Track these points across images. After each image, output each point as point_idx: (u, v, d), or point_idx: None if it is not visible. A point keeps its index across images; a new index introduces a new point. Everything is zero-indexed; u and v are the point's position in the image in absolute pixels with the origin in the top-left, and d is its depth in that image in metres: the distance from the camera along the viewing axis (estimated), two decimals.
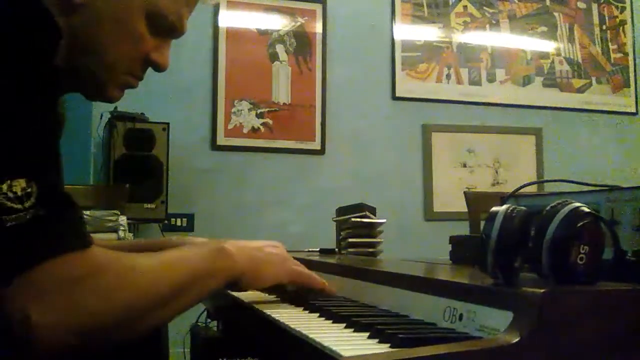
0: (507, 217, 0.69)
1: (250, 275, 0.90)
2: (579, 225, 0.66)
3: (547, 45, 4.29)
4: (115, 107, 3.15)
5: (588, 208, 0.67)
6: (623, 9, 4.49)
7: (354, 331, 0.74)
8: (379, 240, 1.69)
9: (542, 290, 0.61)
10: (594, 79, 4.36)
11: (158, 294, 0.77)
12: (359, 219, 1.68)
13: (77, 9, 0.82)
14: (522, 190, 1.02)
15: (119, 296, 0.73)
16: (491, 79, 4.15)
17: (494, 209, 0.71)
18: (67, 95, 0.92)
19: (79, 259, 0.70)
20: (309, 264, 1.42)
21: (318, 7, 3.90)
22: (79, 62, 0.83)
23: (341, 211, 1.81)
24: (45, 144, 0.73)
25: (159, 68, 0.92)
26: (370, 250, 1.67)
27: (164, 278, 0.79)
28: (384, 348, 0.65)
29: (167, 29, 0.89)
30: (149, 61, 0.90)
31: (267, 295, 1.06)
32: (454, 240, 1.30)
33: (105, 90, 0.89)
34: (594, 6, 4.43)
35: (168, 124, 3.24)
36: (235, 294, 1.08)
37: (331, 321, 0.82)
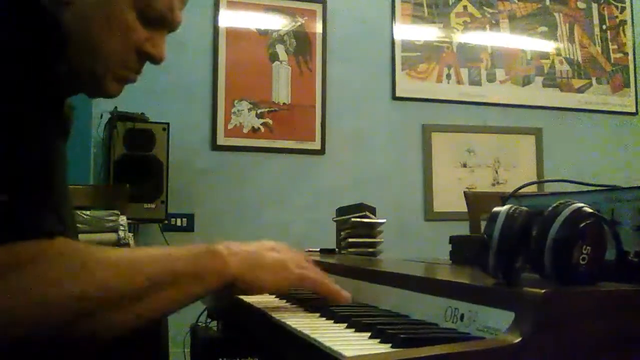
0: (509, 217, 0.69)
1: (246, 280, 0.84)
2: (581, 225, 0.65)
3: (547, 45, 4.29)
4: (115, 107, 3.15)
5: (590, 208, 0.67)
6: (623, 9, 4.49)
7: (355, 331, 0.74)
8: (379, 240, 1.69)
9: (543, 291, 0.60)
10: (594, 79, 4.36)
11: (121, 289, 0.72)
12: (359, 219, 1.68)
13: (67, 4, 0.82)
14: (522, 190, 1.01)
15: (71, 286, 0.68)
16: (491, 79, 4.15)
17: (496, 209, 0.71)
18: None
19: (29, 246, 0.67)
20: None
21: (318, 7, 3.90)
22: (74, 58, 0.83)
23: (341, 211, 1.82)
24: (16, 130, 0.70)
25: (154, 60, 0.91)
26: (370, 250, 1.67)
27: (131, 274, 0.74)
28: (386, 348, 0.65)
29: (158, 19, 0.88)
30: (143, 53, 0.89)
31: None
32: (454, 240, 1.30)
33: (103, 85, 0.88)
34: (594, 6, 4.43)
35: (168, 124, 3.24)
36: None
37: (332, 321, 0.82)
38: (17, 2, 0.77)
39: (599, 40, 4.41)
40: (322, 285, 0.92)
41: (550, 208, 0.68)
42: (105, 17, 0.84)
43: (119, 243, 2.41)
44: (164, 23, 0.90)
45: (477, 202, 2.13)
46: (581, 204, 0.67)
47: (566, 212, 0.66)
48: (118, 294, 0.72)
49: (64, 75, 0.82)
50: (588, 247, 0.65)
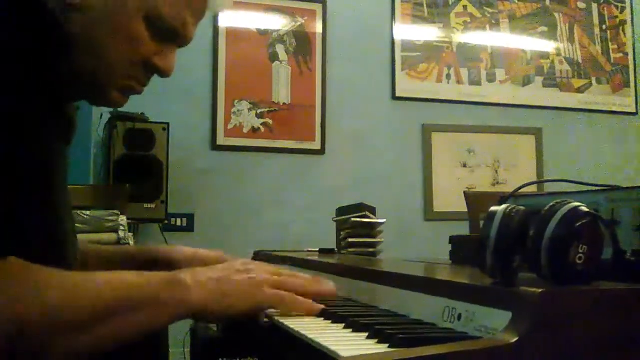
0: (505, 217, 0.69)
1: (213, 309, 0.80)
2: (577, 225, 0.66)
3: (547, 45, 4.29)
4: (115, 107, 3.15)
5: (587, 208, 0.67)
6: (623, 9, 4.49)
7: (353, 331, 0.74)
8: (379, 240, 1.69)
9: (540, 290, 0.61)
10: (594, 79, 4.36)
11: (69, 313, 0.69)
12: (359, 219, 1.68)
13: (74, 9, 0.81)
14: (521, 190, 1.01)
15: (13, 308, 0.66)
16: (491, 79, 4.15)
17: (493, 208, 0.71)
18: None
19: None
20: (308, 264, 1.43)
21: (318, 7, 3.90)
22: (78, 63, 0.82)
23: (341, 211, 1.82)
24: None
25: (162, 74, 0.89)
26: (370, 250, 1.67)
27: (82, 299, 0.71)
28: (383, 348, 0.65)
29: (168, 33, 0.87)
30: (151, 66, 0.88)
31: None
32: (454, 240, 1.30)
33: (107, 94, 0.87)
34: (594, 6, 4.43)
35: (168, 124, 3.24)
36: None
37: (330, 321, 0.82)
38: (19, 2, 0.76)
39: (599, 40, 4.41)
40: (295, 304, 0.86)
41: (546, 207, 0.68)
42: (112, 25, 0.82)
43: (119, 243, 2.42)
44: (175, 38, 0.88)
45: (477, 202, 2.13)
46: (578, 203, 0.67)
47: (562, 211, 0.66)
48: (66, 319, 0.69)
49: (67, 78, 0.81)
50: (584, 247, 0.65)
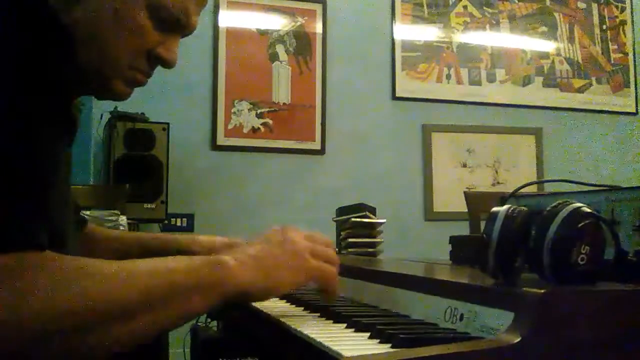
0: (508, 218, 0.69)
1: (260, 288, 0.79)
2: (579, 225, 0.66)
3: (547, 45, 4.29)
4: (115, 107, 3.15)
5: (589, 208, 0.67)
6: (623, 9, 4.49)
7: (355, 331, 0.74)
8: (379, 240, 1.69)
9: (542, 291, 0.61)
10: (594, 79, 4.36)
11: (112, 304, 0.67)
12: (359, 219, 1.68)
13: (75, 1, 0.81)
14: (521, 190, 1.02)
15: (56, 300, 0.64)
16: (491, 79, 4.15)
17: (495, 209, 0.71)
18: None
19: (14, 257, 0.63)
20: None
21: (318, 7, 3.90)
22: (82, 58, 0.82)
23: (341, 211, 1.82)
24: (13, 134, 0.67)
25: (166, 64, 0.89)
26: (370, 250, 1.67)
27: (124, 288, 0.69)
28: (385, 348, 0.65)
29: (171, 23, 0.86)
30: (155, 56, 0.87)
31: None
32: (454, 240, 1.30)
33: (112, 86, 0.86)
34: (594, 6, 4.43)
35: (168, 124, 3.24)
36: None
37: (332, 321, 0.82)
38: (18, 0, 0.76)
39: (599, 40, 4.41)
40: (332, 283, 0.86)
41: (548, 208, 0.68)
42: (116, 16, 0.82)
43: None
44: (178, 27, 0.88)
45: (477, 202, 2.13)
46: (579, 204, 0.67)
47: (564, 212, 0.66)
48: (108, 310, 0.67)
49: (70, 75, 0.81)
50: (586, 247, 0.65)
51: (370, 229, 1.69)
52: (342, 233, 1.75)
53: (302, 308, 0.95)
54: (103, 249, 1.11)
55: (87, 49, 0.82)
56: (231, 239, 1.15)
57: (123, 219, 2.48)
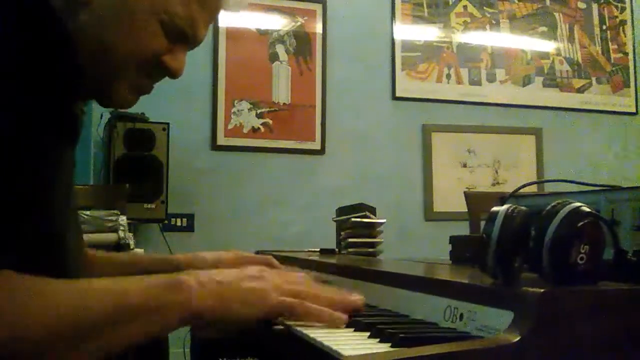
0: (507, 217, 0.69)
1: (216, 314, 0.76)
2: (579, 225, 0.66)
3: (547, 45, 4.29)
4: (116, 107, 3.14)
5: (588, 208, 0.68)
6: (623, 9, 4.49)
7: (355, 331, 0.75)
8: (379, 240, 1.69)
9: (542, 290, 0.61)
10: (594, 79, 4.36)
11: (63, 326, 0.66)
12: (359, 219, 1.68)
13: (81, 6, 0.80)
14: (522, 190, 1.02)
15: (5, 320, 0.62)
16: (491, 79, 4.15)
17: (495, 208, 0.71)
18: None
19: None
20: (309, 264, 1.43)
21: (318, 7, 3.90)
22: (87, 62, 0.81)
23: (341, 211, 1.82)
24: None
25: (172, 73, 0.88)
26: (370, 250, 1.67)
27: (78, 309, 0.67)
28: (385, 348, 0.65)
29: (180, 33, 0.85)
30: (162, 65, 0.86)
31: None
32: (454, 240, 1.30)
33: (116, 92, 0.86)
34: (594, 6, 4.43)
35: (168, 124, 3.24)
36: None
37: None
38: (20, 2, 0.75)
39: (599, 40, 4.41)
40: (308, 312, 0.79)
41: (548, 208, 0.68)
42: (125, 20, 0.81)
43: (119, 243, 2.42)
44: (186, 37, 0.87)
45: (477, 202, 2.13)
46: (579, 204, 0.67)
47: (564, 211, 0.66)
48: (60, 331, 0.65)
49: (73, 76, 0.80)
50: (586, 247, 0.65)
51: (370, 229, 1.69)
52: (342, 233, 1.75)
53: None
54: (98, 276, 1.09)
55: (93, 54, 0.81)
56: (237, 254, 1.13)
57: (123, 219, 2.48)
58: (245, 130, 3.73)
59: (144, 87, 0.89)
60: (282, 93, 3.81)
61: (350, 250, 1.68)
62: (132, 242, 2.52)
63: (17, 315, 0.63)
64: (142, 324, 0.71)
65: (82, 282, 0.74)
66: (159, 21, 0.83)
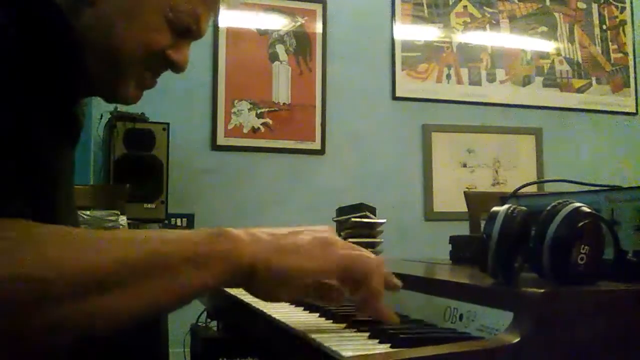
0: (507, 217, 0.69)
1: (272, 266, 0.66)
2: (579, 225, 0.66)
3: (547, 45, 4.29)
4: (116, 107, 3.14)
5: (589, 208, 0.68)
6: (623, 9, 4.49)
7: (355, 331, 0.74)
8: (379, 240, 1.69)
9: (542, 290, 0.61)
10: (594, 79, 4.36)
11: (86, 273, 0.58)
12: (359, 219, 1.68)
13: (90, 3, 0.81)
14: (522, 190, 1.02)
15: (19, 265, 0.56)
16: (491, 79, 4.15)
17: (495, 208, 0.71)
18: None
19: None
20: None
21: (318, 7, 3.90)
22: (91, 60, 0.81)
23: (341, 211, 1.82)
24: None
25: (177, 68, 0.89)
26: (370, 250, 1.67)
27: (99, 256, 0.60)
28: (385, 348, 0.65)
29: (183, 27, 0.87)
30: (168, 59, 0.87)
31: None
32: (454, 240, 1.30)
33: (122, 88, 0.86)
34: (594, 6, 4.43)
35: (168, 124, 3.24)
36: (233, 291, 1.07)
37: (332, 321, 0.82)
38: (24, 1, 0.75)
39: (599, 40, 4.41)
40: (372, 277, 0.69)
41: (548, 208, 0.68)
42: (132, 19, 0.82)
43: None
44: (189, 31, 0.88)
45: (477, 202, 2.13)
46: (579, 204, 0.67)
47: (564, 211, 0.66)
48: (79, 279, 0.58)
49: (78, 73, 0.81)
50: (586, 247, 0.65)
51: (370, 229, 1.69)
52: (342, 233, 1.75)
53: (302, 308, 0.95)
54: None
55: (99, 52, 0.82)
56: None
57: (123, 219, 2.48)
58: (245, 130, 3.73)
59: (148, 82, 0.89)
60: (282, 93, 3.81)
61: None
62: None
63: (31, 260, 0.57)
64: (179, 276, 0.62)
65: (110, 232, 0.68)
66: (165, 18, 0.84)
